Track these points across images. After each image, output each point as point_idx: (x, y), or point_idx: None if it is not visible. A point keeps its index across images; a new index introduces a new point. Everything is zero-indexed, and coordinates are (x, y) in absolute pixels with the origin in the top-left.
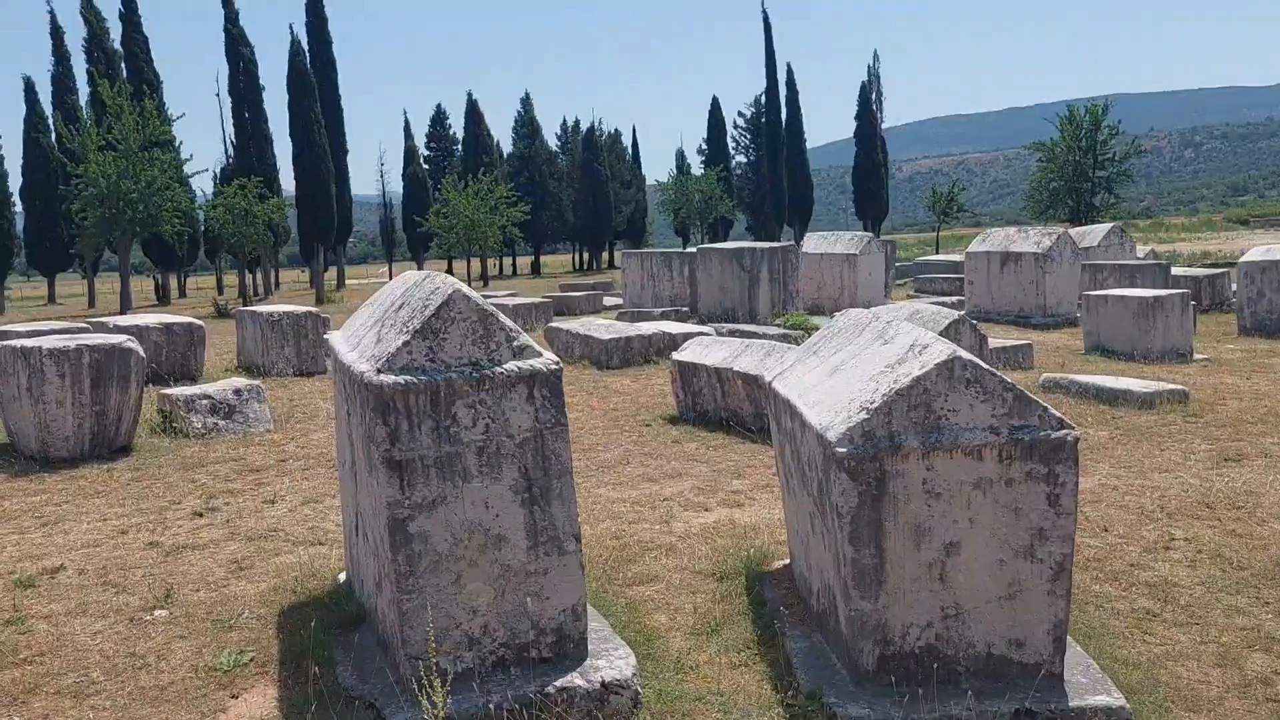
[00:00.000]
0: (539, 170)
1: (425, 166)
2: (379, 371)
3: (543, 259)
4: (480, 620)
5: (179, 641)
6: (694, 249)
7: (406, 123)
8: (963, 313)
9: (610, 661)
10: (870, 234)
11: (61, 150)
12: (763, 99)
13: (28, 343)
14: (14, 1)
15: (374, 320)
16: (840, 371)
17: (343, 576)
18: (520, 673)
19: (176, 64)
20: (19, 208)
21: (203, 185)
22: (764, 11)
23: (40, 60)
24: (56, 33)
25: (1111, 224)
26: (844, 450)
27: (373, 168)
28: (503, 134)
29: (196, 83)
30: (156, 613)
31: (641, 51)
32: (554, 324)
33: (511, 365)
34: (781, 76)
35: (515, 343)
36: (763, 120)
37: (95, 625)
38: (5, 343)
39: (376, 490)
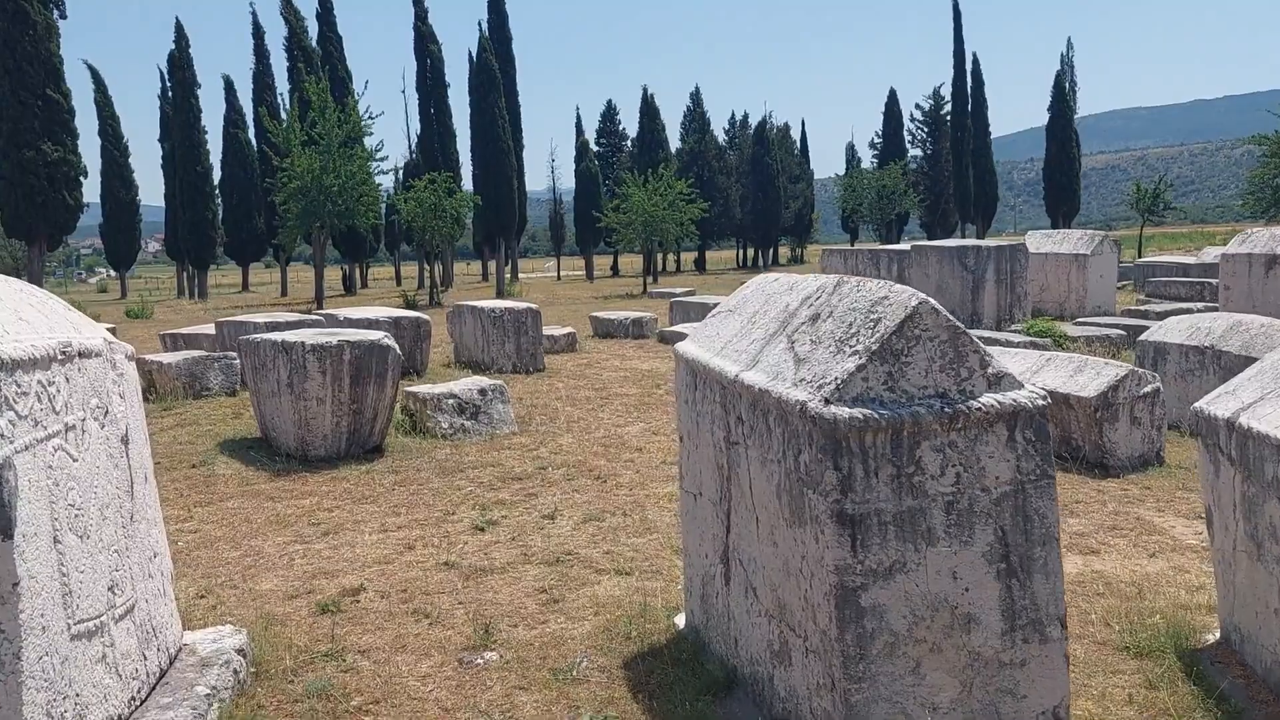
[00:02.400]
0: (708, 165)
1: (595, 163)
2: (828, 401)
3: (706, 255)
4: None
5: (520, 694)
6: (904, 246)
7: (578, 118)
8: None
9: None
10: (1102, 233)
11: (267, 144)
12: (943, 91)
13: (289, 337)
14: (209, 6)
15: (763, 331)
16: None
17: (680, 621)
18: None
19: (361, 62)
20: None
21: (383, 180)
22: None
23: (235, 61)
24: (258, 32)
25: None
26: None
27: (538, 164)
28: (670, 128)
29: (381, 81)
30: (486, 655)
31: (811, 44)
32: None
33: (988, 398)
34: (968, 67)
35: (990, 369)
36: (942, 113)
37: (421, 666)
38: (265, 336)
39: (812, 548)
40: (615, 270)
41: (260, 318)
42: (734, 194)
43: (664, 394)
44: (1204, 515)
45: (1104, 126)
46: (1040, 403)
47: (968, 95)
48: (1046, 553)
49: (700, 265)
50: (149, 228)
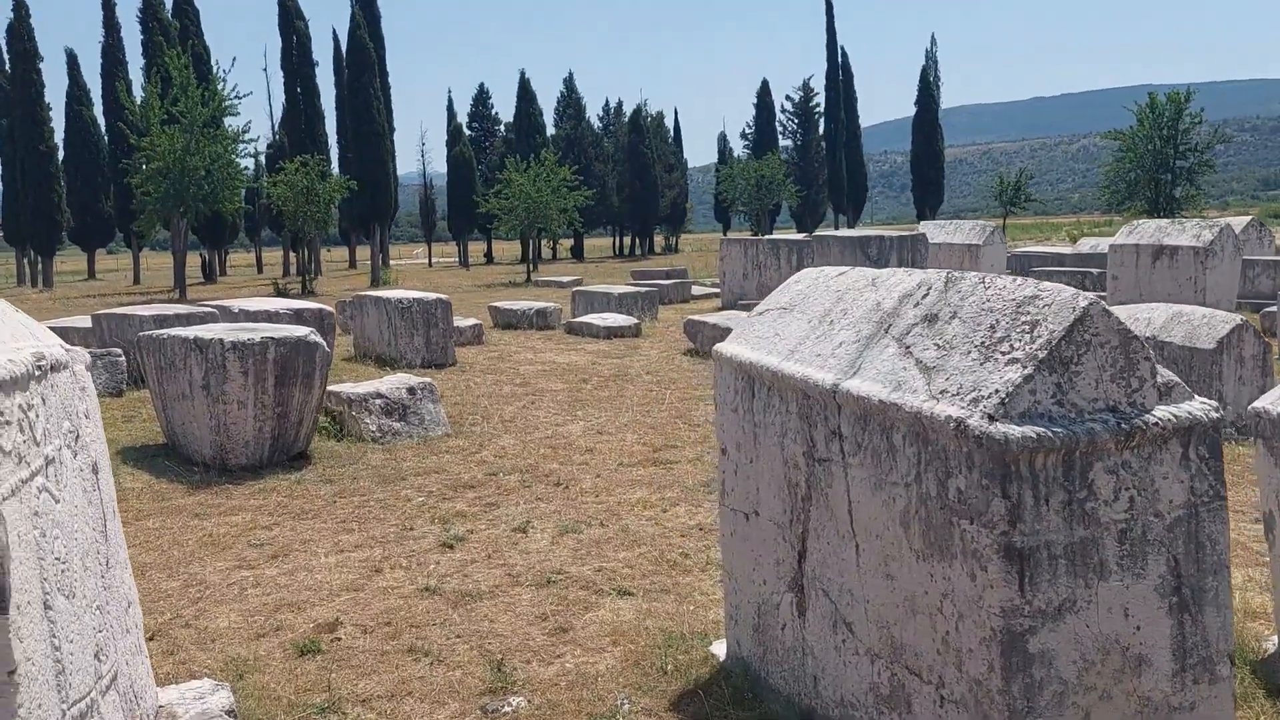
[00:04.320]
0: (584, 152)
1: (469, 147)
2: (991, 418)
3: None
4: None
5: None
6: (798, 236)
7: (450, 101)
8: (1242, 317)
9: None
10: (992, 223)
11: (123, 123)
12: (812, 83)
13: (203, 333)
14: None
15: (851, 334)
16: None
17: (718, 650)
18: None
19: (219, 38)
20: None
21: (246, 163)
22: None
23: (79, 35)
24: (108, 4)
25: (1249, 217)
26: None
27: (406, 147)
28: (544, 114)
29: (241, 58)
30: (512, 701)
31: (684, 32)
32: (694, 318)
33: (1162, 411)
34: (839, 60)
35: (1159, 378)
36: (812, 105)
37: (439, 717)
38: (174, 332)
39: (963, 585)
40: (489, 257)
41: (145, 310)
42: (610, 182)
43: (592, 389)
44: (1261, 519)
45: (950, 121)
46: (1214, 415)
47: (840, 87)
48: (1218, 582)
49: (578, 253)
50: None
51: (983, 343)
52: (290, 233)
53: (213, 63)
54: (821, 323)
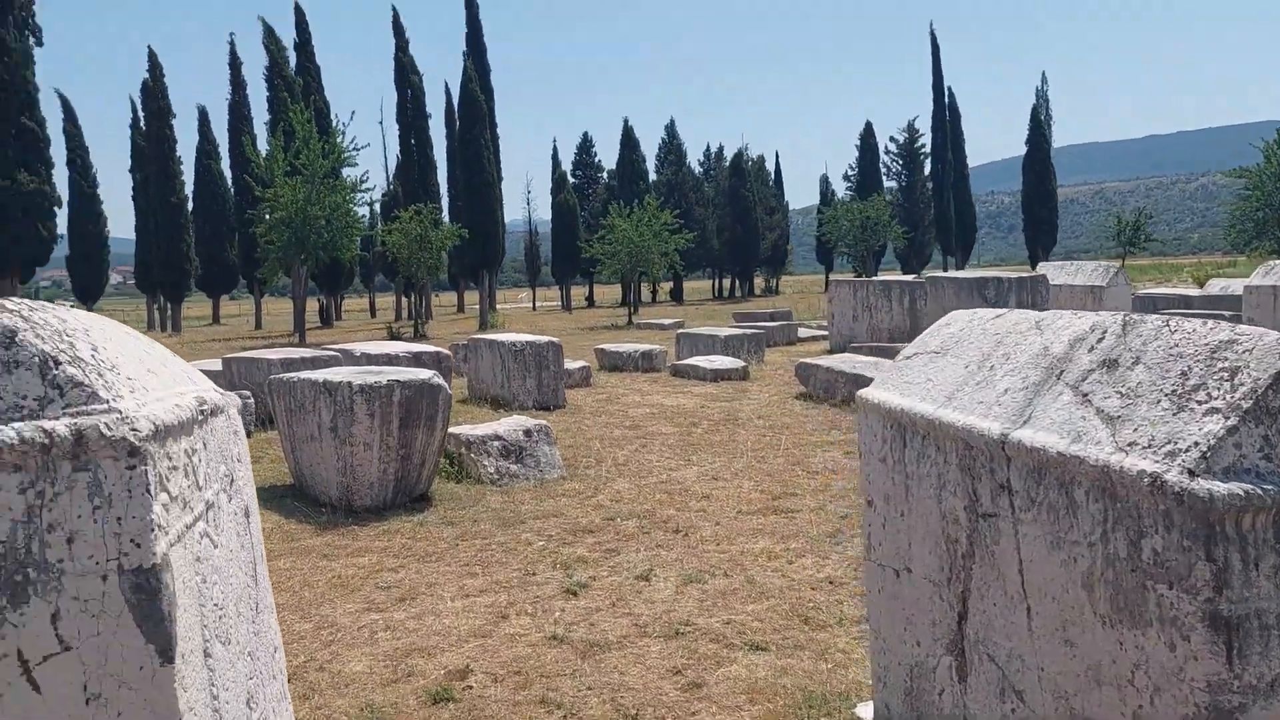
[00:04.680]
0: (685, 196)
1: (573, 195)
2: (1192, 474)
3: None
4: None
5: None
6: (908, 277)
7: (555, 150)
8: None
9: None
10: (1115, 264)
11: (248, 175)
12: (917, 124)
13: (332, 376)
14: (179, 37)
15: (1017, 380)
16: None
17: (865, 713)
18: None
19: (337, 93)
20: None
21: (362, 211)
22: (932, 33)
23: (208, 92)
24: (235, 63)
25: None
26: None
27: (512, 195)
28: (646, 161)
29: (358, 112)
30: None
31: (785, 77)
32: (806, 360)
33: None
34: (946, 100)
35: None
36: (917, 146)
37: None
38: (303, 375)
39: (1160, 655)
40: (591, 301)
41: (272, 354)
42: (711, 225)
43: (703, 433)
44: None
45: (1061, 161)
46: None
47: (946, 128)
48: None
49: (677, 295)
50: (112, 259)
51: (1174, 391)
52: (404, 278)
53: (332, 116)
54: (980, 368)
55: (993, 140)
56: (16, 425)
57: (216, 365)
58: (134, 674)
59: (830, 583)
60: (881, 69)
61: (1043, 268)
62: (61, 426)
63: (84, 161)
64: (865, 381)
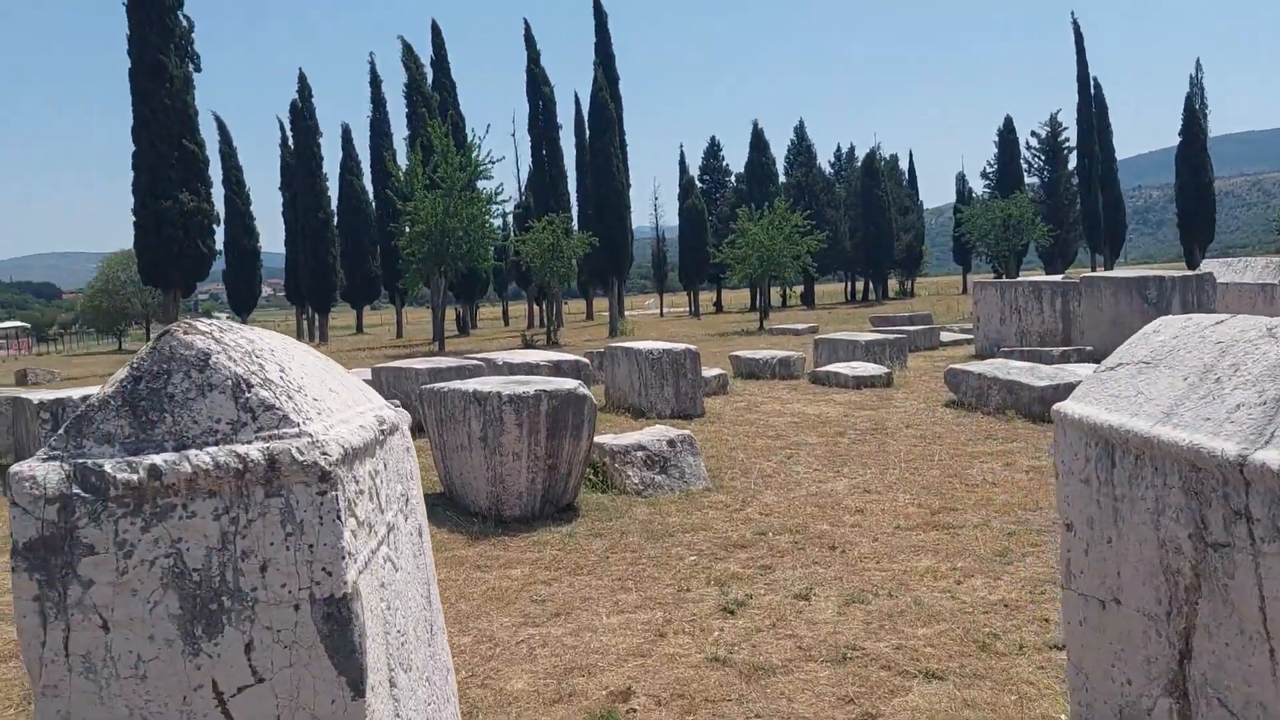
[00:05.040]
0: (815, 198)
1: (701, 199)
2: None
3: (814, 289)
4: None
5: None
6: (1059, 277)
7: (682, 155)
8: None
9: None
10: None
11: (390, 189)
12: (1060, 117)
13: (481, 386)
14: (319, 58)
15: (1252, 394)
16: None
17: None
18: None
19: (468, 107)
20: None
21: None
22: (1074, 23)
23: (347, 109)
24: (375, 81)
25: None
26: None
27: (639, 201)
28: (775, 163)
29: (492, 123)
30: None
31: (916, 74)
32: (956, 366)
33: None
34: (1092, 91)
35: None
36: (1060, 139)
37: None
38: (453, 385)
39: None
40: (719, 306)
41: (420, 364)
42: (843, 227)
43: (850, 443)
44: None
45: (1215, 151)
46: None
47: (1093, 120)
48: None
49: (808, 300)
50: (263, 273)
51: None
52: (537, 286)
53: (468, 130)
54: (1203, 380)
55: (1135, 132)
56: (211, 450)
57: (366, 375)
58: (325, 708)
59: (1005, 606)
60: (1020, 61)
61: (1206, 265)
62: (255, 451)
63: (238, 180)
64: (1021, 389)
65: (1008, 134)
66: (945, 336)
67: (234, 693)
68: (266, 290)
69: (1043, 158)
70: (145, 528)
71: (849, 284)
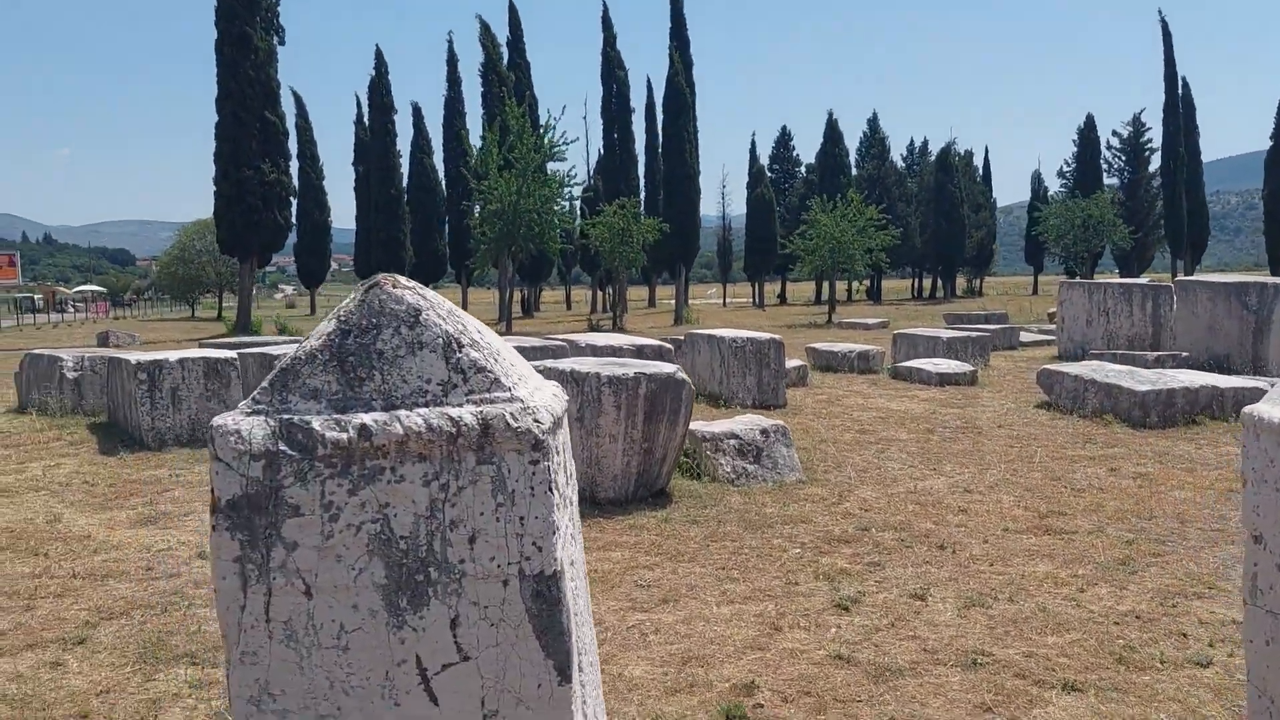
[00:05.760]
0: (887, 191)
1: (770, 189)
2: None
3: (881, 285)
4: None
5: None
6: (1142, 280)
7: (753, 144)
8: None
9: None
10: None
11: (462, 168)
12: (1143, 117)
13: (580, 366)
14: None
15: None
16: None
17: None
18: None
19: (542, 88)
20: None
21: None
22: (1162, 20)
23: (419, 88)
24: (452, 60)
25: None
26: None
27: (706, 190)
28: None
29: (561, 106)
30: None
31: (994, 68)
32: (1049, 367)
33: None
34: (1179, 91)
35: None
36: (1142, 140)
37: None
38: (551, 364)
39: None
40: (783, 298)
41: (510, 343)
42: (913, 222)
43: (941, 441)
44: None
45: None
46: None
47: (1180, 120)
48: None
49: (874, 294)
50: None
51: None
52: (605, 271)
53: (542, 111)
54: None
55: (1216, 136)
56: (422, 411)
57: None
58: (532, 692)
59: (1137, 618)
60: (1102, 59)
61: None
62: (468, 415)
63: (312, 155)
64: (1121, 393)
65: (1089, 132)
66: (1025, 337)
67: (438, 670)
68: (333, 265)
69: (1123, 158)
70: (352, 490)
71: (916, 280)
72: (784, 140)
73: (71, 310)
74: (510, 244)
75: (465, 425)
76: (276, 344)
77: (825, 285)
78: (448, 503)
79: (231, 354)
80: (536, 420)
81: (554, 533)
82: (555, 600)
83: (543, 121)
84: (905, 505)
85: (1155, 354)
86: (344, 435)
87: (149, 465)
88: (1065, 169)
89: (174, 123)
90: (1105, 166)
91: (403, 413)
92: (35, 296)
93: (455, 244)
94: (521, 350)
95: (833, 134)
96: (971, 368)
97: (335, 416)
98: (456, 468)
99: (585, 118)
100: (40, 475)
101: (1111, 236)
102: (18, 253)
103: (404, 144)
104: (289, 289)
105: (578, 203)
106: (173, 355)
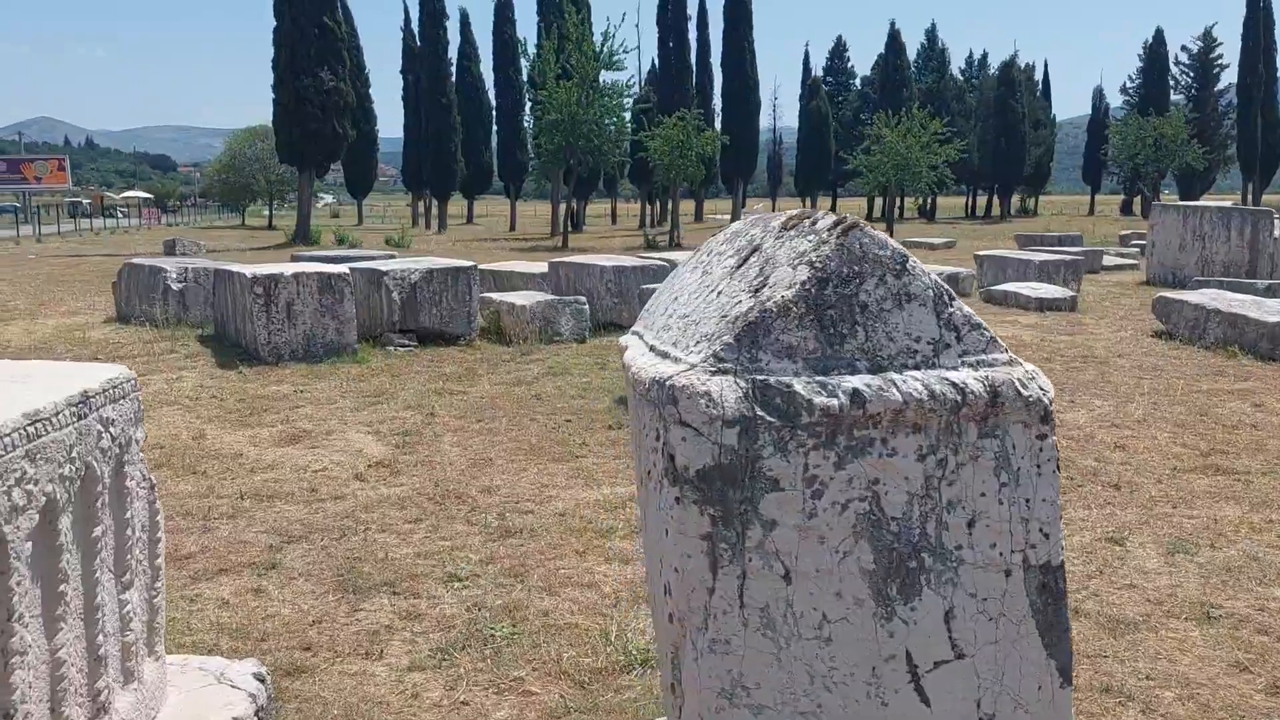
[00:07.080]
0: (946, 107)
1: (825, 101)
2: None
3: (935, 203)
4: None
5: None
6: (1234, 204)
7: (806, 55)
8: None
9: None
10: None
11: (511, 76)
12: (1215, 32)
13: None
14: None
15: None
16: None
17: None
18: None
19: None
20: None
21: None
22: None
23: None
24: None
25: None
26: None
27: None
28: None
29: (615, 14)
30: None
31: None
32: (1166, 294)
33: None
34: (1260, 2)
35: None
36: (1212, 56)
37: None
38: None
39: None
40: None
41: (603, 260)
42: (972, 138)
43: (1064, 371)
44: None
45: None
46: None
47: (1260, 35)
48: None
49: (926, 213)
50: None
51: None
52: (659, 185)
53: (596, 19)
54: None
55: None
56: (918, 375)
57: (542, 268)
58: (1031, 694)
59: None
60: None
61: None
62: (974, 381)
63: (358, 63)
64: (1248, 324)
65: (1157, 47)
66: (1106, 260)
67: (930, 667)
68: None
69: (1191, 75)
70: (838, 464)
71: (971, 199)
72: (839, 51)
73: (120, 215)
74: (570, 156)
75: (972, 393)
76: (374, 258)
77: (881, 203)
78: (944, 481)
79: (343, 269)
80: (1043, 388)
81: (1058, 519)
82: (1060, 594)
83: (600, 30)
84: (1058, 439)
85: (1266, 282)
86: (833, 401)
87: (270, 380)
88: (1129, 85)
89: (215, 26)
90: (1172, 83)
91: (896, 376)
92: (84, 201)
93: (505, 156)
94: (620, 269)
95: (894, 45)
96: (1071, 293)
97: (818, 379)
98: (956, 441)
99: (638, 25)
100: (166, 389)
101: (1184, 156)
102: (66, 157)
103: (452, 52)
104: (328, 197)
105: (627, 115)
106: (287, 269)
